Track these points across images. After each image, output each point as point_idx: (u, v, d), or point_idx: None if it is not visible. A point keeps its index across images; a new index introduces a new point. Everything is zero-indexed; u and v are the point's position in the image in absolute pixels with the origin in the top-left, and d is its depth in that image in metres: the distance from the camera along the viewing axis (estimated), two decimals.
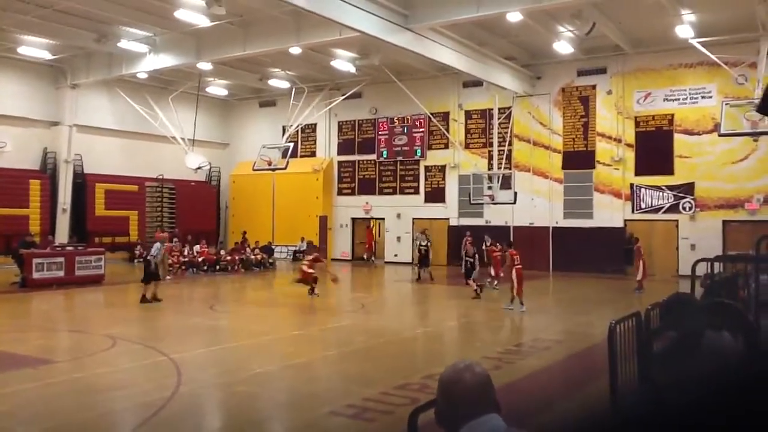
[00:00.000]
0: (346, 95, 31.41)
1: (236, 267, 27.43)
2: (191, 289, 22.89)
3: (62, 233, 28.70)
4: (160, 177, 33.40)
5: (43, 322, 15.53)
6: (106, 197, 31.16)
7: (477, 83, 28.37)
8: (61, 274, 20.98)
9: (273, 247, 31.58)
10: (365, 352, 11.84)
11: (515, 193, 26.19)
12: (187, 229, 30.85)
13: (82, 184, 30.58)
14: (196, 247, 27.16)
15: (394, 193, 32.55)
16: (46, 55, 27.37)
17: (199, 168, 29.86)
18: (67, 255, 21.61)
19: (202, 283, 23.74)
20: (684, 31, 22.58)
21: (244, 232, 30.52)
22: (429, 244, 23.96)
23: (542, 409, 7.69)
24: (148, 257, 17.67)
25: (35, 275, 20.36)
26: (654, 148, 26.31)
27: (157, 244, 18.03)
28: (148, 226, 32.39)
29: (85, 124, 30.53)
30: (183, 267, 25.94)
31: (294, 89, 30.88)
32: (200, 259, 26.62)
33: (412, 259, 22.67)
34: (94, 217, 30.66)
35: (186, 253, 26.61)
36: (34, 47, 26.51)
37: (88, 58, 27.95)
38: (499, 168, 27.35)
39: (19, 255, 20.81)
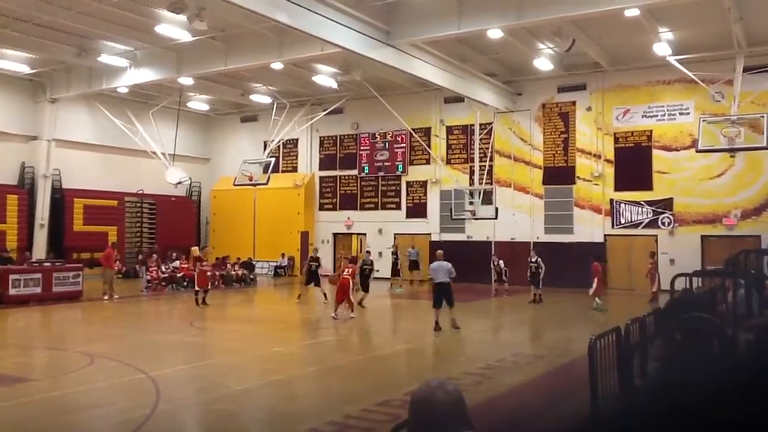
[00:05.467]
0: (328, 110, 31.41)
1: (216, 283, 27.21)
2: (170, 305, 22.70)
3: (39, 249, 28.36)
4: (140, 192, 33.17)
5: (19, 340, 15.28)
6: (85, 212, 30.79)
7: (458, 99, 28.45)
8: (39, 290, 20.71)
9: (254, 262, 31.44)
10: (346, 369, 11.77)
11: (496, 209, 26.27)
12: (167, 245, 30.60)
13: (61, 199, 30.21)
14: (176, 263, 26.94)
15: (375, 208, 32.55)
16: (25, 69, 27.11)
17: (179, 183, 29.61)
18: (44, 271, 21.32)
19: (182, 299, 23.50)
20: (662, 48, 22.92)
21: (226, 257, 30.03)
22: (318, 264, 22.40)
23: (524, 424, 7.67)
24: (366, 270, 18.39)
25: (11, 291, 20.08)
26: (633, 163, 26.57)
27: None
28: (127, 242, 32.11)
29: (64, 138, 30.25)
30: (162, 283, 25.70)
31: (275, 104, 30.83)
32: (180, 275, 26.38)
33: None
34: (72, 233, 30.26)
35: (164, 269, 26.37)
36: (13, 61, 26.22)
37: (67, 72, 27.74)
38: (481, 183, 27.42)
39: None
